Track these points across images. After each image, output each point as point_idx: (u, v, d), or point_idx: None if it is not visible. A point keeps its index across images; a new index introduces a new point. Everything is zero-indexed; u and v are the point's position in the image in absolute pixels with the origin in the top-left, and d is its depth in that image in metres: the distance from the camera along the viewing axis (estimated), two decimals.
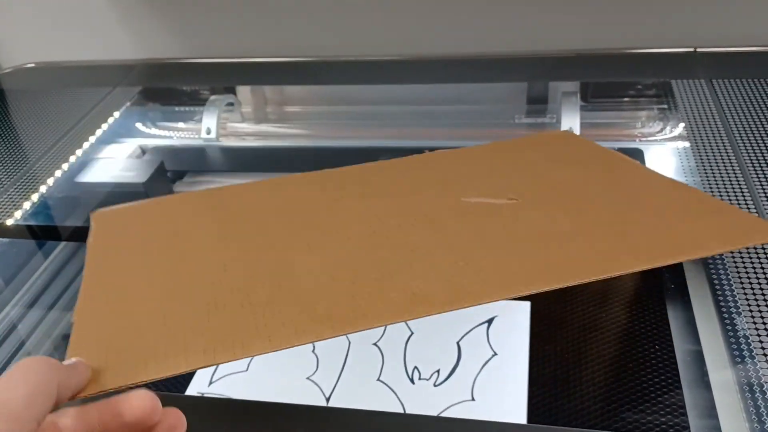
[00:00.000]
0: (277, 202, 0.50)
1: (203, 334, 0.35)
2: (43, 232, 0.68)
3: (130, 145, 0.80)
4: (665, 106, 0.73)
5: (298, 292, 0.38)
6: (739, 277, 0.51)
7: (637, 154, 0.67)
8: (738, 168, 0.60)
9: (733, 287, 0.52)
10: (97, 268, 0.44)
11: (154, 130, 0.85)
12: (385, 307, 0.36)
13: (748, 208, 0.56)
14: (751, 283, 0.50)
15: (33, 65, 1.00)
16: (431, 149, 0.75)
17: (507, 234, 0.43)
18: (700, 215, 0.44)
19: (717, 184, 0.58)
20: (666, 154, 0.67)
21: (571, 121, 0.69)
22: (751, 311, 0.49)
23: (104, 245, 0.47)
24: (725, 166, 0.60)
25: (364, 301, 0.37)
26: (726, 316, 0.53)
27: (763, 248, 0.51)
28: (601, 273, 0.38)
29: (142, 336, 0.36)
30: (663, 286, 0.64)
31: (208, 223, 0.48)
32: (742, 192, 0.57)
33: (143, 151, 0.81)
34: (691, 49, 0.79)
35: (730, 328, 0.54)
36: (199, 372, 0.59)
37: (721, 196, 0.57)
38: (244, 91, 0.91)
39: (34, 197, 0.69)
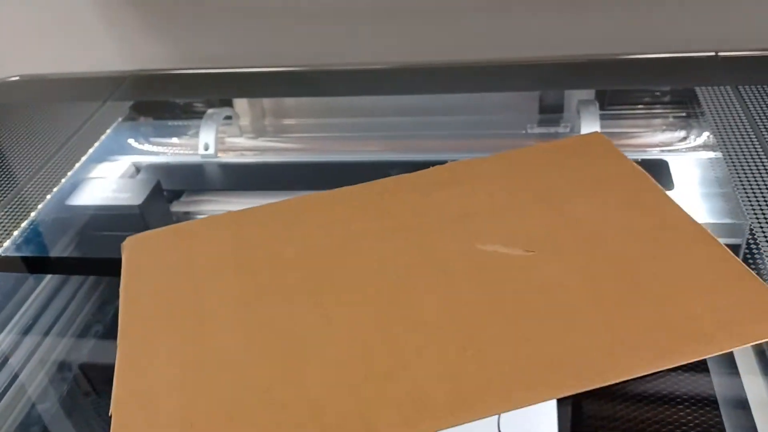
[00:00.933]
0: (296, 239, 0.51)
1: None
2: (32, 263, 0.65)
3: (123, 163, 0.76)
4: (690, 115, 0.70)
5: (310, 389, 0.39)
6: None
7: (662, 166, 0.64)
8: None
9: None
10: (131, 316, 0.46)
11: (147, 146, 0.81)
12: (392, 418, 0.36)
13: None
14: None
15: (17, 78, 0.96)
16: (440, 162, 0.72)
17: (519, 306, 0.42)
18: (728, 294, 0.41)
19: (753, 194, 0.56)
20: (693, 164, 0.64)
21: (591, 131, 0.66)
22: None
23: (135, 280, 0.50)
24: (760, 175, 0.57)
25: (371, 411, 0.37)
26: None
27: None
28: (614, 377, 0.37)
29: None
30: None
31: (230, 272, 0.49)
32: None
33: (137, 169, 0.76)
34: (713, 53, 0.76)
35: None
36: None
37: (758, 206, 0.54)
38: (241, 104, 0.87)
39: (23, 224, 0.65)
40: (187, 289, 0.47)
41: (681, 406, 0.52)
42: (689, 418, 0.51)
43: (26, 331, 0.65)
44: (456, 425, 0.36)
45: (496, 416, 0.53)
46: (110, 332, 0.64)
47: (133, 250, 0.53)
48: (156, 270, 0.50)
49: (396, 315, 0.43)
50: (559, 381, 0.37)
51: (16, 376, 0.62)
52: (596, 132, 0.61)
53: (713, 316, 0.39)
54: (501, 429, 0.52)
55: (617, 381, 0.36)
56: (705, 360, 0.55)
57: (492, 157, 0.57)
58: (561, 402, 0.52)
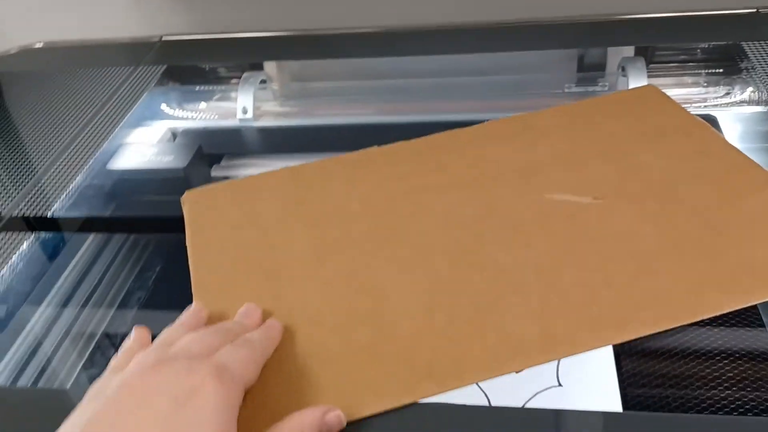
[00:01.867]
0: (358, 194, 0.50)
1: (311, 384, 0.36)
2: (75, 225, 0.64)
3: (159, 128, 0.76)
4: (736, 70, 0.70)
5: (398, 338, 0.38)
6: None
7: (711, 121, 0.64)
8: None
9: None
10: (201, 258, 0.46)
11: (181, 112, 0.80)
12: (484, 357, 0.37)
13: None
14: None
15: (41, 45, 0.94)
16: (474, 123, 0.71)
17: (596, 253, 0.42)
18: None
19: None
20: (742, 119, 0.64)
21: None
22: None
23: (201, 235, 0.49)
24: None
25: (462, 350, 0.37)
26: None
27: None
28: (690, 317, 0.37)
29: None
30: None
31: (298, 228, 0.48)
32: None
33: (173, 134, 0.76)
34: (754, 10, 0.75)
35: None
36: None
37: None
38: (271, 67, 0.86)
39: (69, 187, 0.65)
40: (257, 243, 0.47)
41: (740, 361, 0.52)
42: (748, 372, 0.51)
43: (72, 292, 0.65)
44: (547, 361, 0.37)
45: (555, 366, 0.54)
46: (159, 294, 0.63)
47: (194, 204, 0.52)
48: (221, 224, 0.49)
49: (472, 264, 0.42)
50: (651, 319, 0.37)
51: (63, 338, 0.62)
52: (650, 85, 0.61)
53: None
54: (560, 380, 0.53)
55: (709, 316, 0.37)
56: (760, 314, 0.55)
57: (546, 111, 0.57)
58: (620, 357, 0.52)
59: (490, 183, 0.49)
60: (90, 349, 0.63)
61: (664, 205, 0.45)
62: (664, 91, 0.68)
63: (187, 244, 0.48)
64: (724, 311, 0.38)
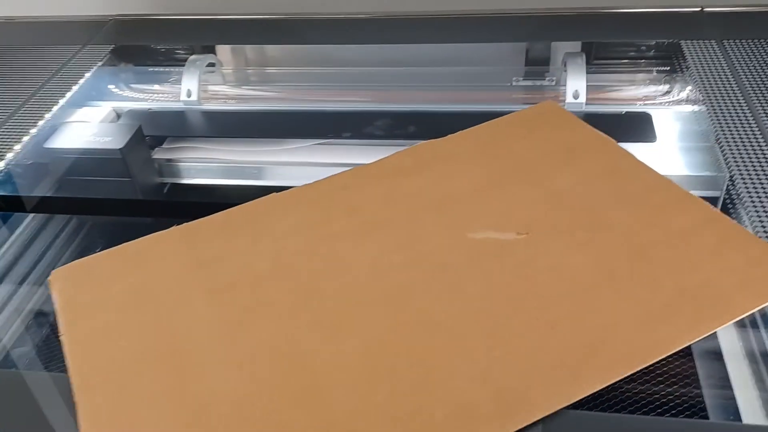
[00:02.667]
0: (265, 250, 0.44)
1: None
2: (10, 203, 0.64)
3: (104, 108, 0.75)
4: (674, 68, 0.70)
5: (337, 421, 0.33)
6: None
7: (645, 119, 0.64)
8: (758, 131, 0.58)
9: None
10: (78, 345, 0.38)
11: (128, 93, 0.79)
12: None
13: (765, 165, 0.54)
14: None
15: None
16: (425, 114, 0.71)
17: (532, 292, 0.39)
18: (726, 253, 0.41)
19: (735, 148, 0.56)
20: (676, 118, 0.65)
21: (576, 84, 0.66)
22: None
23: (79, 321, 0.40)
24: (744, 130, 0.58)
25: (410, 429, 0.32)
26: None
27: None
28: (658, 354, 0.35)
29: None
30: None
31: (199, 299, 0.40)
32: (762, 151, 0.55)
33: (118, 114, 0.75)
34: (698, 9, 0.76)
35: None
36: None
37: (741, 160, 0.55)
38: (223, 51, 0.85)
39: (0, 164, 0.64)
40: (150, 326, 0.39)
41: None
42: (677, 370, 0.52)
43: (2, 276, 0.64)
44: None
45: None
46: None
47: (66, 284, 0.42)
48: (102, 308, 0.40)
49: (405, 321, 0.38)
50: (605, 364, 0.34)
51: None
52: (549, 101, 0.60)
53: (729, 279, 0.39)
54: None
55: (662, 357, 0.35)
56: None
57: (453, 136, 0.55)
58: None
59: (406, 223, 0.45)
60: (23, 327, 0.63)
61: (591, 234, 0.43)
62: (604, 85, 0.69)
63: (62, 339, 0.39)
64: (676, 349, 0.36)
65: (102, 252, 0.45)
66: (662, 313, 0.37)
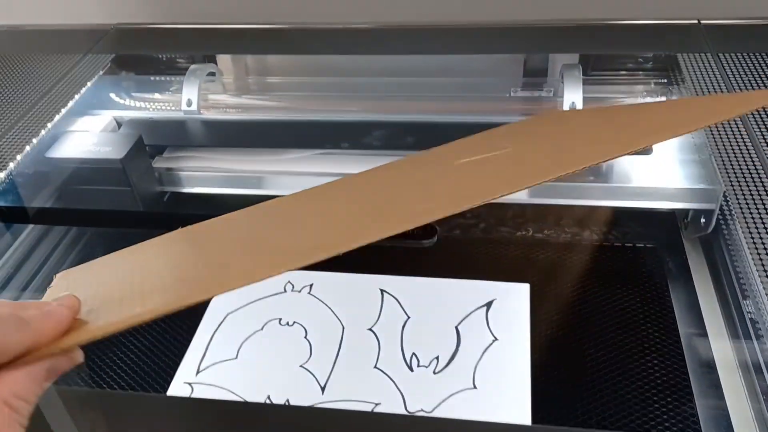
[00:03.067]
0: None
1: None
2: (11, 213, 0.64)
3: (104, 117, 0.76)
4: (671, 81, 0.71)
5: (272, 240, 0.38)
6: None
7: None
8: (750, 143, 0.58)
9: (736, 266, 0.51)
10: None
11: (129, 101, 0.80)
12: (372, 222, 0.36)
13: (761, 179, 0.55)
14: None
15: None
16: (422, 125, 0.72)
17: (493, 164, 0.42)
18: (690, 103, 0.44)
19: (729, 159, 0.57)
20: None
21: (573, 96, 0.66)
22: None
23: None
24: (737, 142, 0.59)
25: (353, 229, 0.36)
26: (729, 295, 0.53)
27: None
28: (593, 159, 0.37)
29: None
30: (664, 266, 0.63)
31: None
32: (755, 165, 0.56)
33: (118, 123, 0.76)
34: (695, 21, 0.76)
35: (735, 308, 0.53)
36: (186, 359, 0.57)
37: (733, 172, 0.56)
38: (224, 60, 0.86)
39: (1, 175, 0.65)
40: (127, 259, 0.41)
41: (651, 371, 0.53)
42: (659, 381, 0.53)
43: (4, 285, 0.65)
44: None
45: (472, 370, 0.55)
46: None
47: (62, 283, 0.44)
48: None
49: (365, 200, 0.43)
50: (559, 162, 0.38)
51: None
52: (552, 109, 0.62)
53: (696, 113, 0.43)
54: (476, 383, 0.54)
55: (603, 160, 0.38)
56: (675, 323, 0.57)
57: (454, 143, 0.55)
58: (536, 368, 0.53)
59: (406, 168, 0.48)
60: None
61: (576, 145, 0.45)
62: (601, 97, 0.69)
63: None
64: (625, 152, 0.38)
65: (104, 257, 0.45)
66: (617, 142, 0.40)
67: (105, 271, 0.41)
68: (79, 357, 0.31)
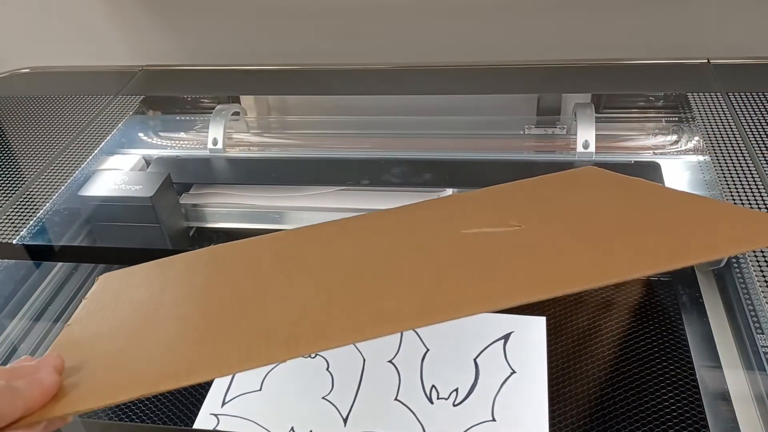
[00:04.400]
0: (269, 248, 0.49)
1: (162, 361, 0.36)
2: (45, 252, 0.67)
3: (134, 156, 0.79)
4: (682, 119, 0.73)
5: (264, 321, 0.37)
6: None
7: (654, 168, 0.67)
8: (760, 182, 0.60)
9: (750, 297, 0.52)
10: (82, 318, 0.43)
11: (157, 140, 0.83)
12: (352, 327, 0.34)
13: None
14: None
15: (28, 70, 0.98)
16: (440, 162, 0.74)
17: (498, 255, 0.40)
18: (711, 219, 0.41)
19: (739, 198, 0.58)
20: (684, 167, 0.67)
21: (586, 134, 0.68)
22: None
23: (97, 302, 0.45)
24: (747, 180, 0.60)
25: (330, 325, 0.35)
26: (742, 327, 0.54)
27: None
28: (599, 280, 0.34)
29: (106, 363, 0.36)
30: (678, 299, 0.64)
31: (197, 275, 0.46)
32: (764, 201, 0.57)
33: (147, 162, 0.79)
34: (705, 60, 0.78)
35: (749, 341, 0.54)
36: (212, 390, 0.58)
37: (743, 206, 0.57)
38: (248, 99, 0.89)
39: (38, 213, 0.68)
40: (147, 288, 0.44)
41: (667, 404, 0.54)
42: (674, 414, 0.53)
43: (38, 317, 0.67)
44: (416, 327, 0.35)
45: (491, 402, 0.56)
46: None
47: (101, 286, 0.48)
48: (118, 288, 0.46)
49: (365, 272, 0.41)
50: (556, 280, 0.35)
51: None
52: (591, 166, 0.60)
53: (714, 236, 0.38)
54: (495, 415, 0.55)
55: (620, 279, 0.34)
56: (690, 356, 0.57)
57: (477, 191, 0.53)
58: (553, 400, 0.54)
59: (409, 229, 0.48)
60: None
61: (580, 225, 0.43)
62: (613, 135, 0.70)
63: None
64: (636, 275, 0.35)
65: (143, 264, 0.49)
66: (635, 246, 0.37)
67: (119, 319, 0.43)
68: (70, 417, 0.34)
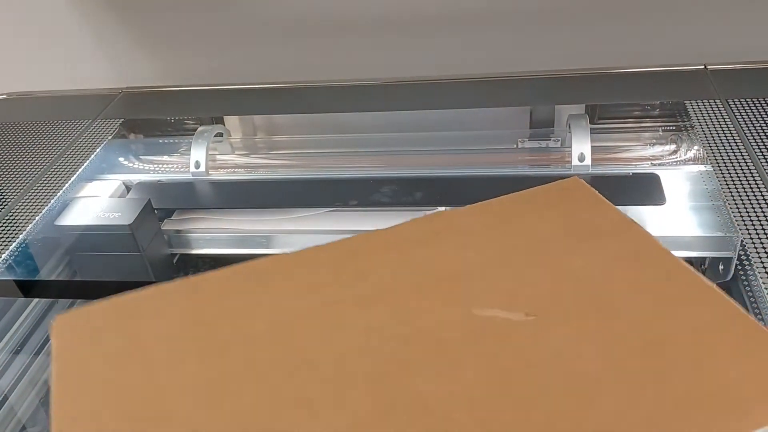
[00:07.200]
0: (264, 311, 0.44)
1: None
2: (20, 287, 0.64)
3: (113, 182, 0.76)
4: (680, 128, 0.71)
5: None
6: None
7: (653, 179, 0.64)
8: (766, 191, 0.57)
9: None
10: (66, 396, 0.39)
11: (138, 164, 0.80)
12: None
13: None
14: None
15: (5, 96, 0.95)
16: (431, 179, 0.71)
17: (531, 382, 0.37)
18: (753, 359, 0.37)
19: (743, 207, 0.56)
20: (684, 178, 0.65)
21: (581, 147, 0.66)
22: None
23: (70, 370, 0.41)
24: (751, 189, 0.58)
25: None
26: None
27: None
28: None
29: None
30: None
31: (190, 357, 0.41)
32: None
33: (127, 187, 0.76)
34: (701, 66, 0.76)
35: None
36: None
37: (749, 219, 0.55)
38: (231, 120, 0.87)
39: (12, 245, 0.65)
40: (137, 381, 0.40)
41: None
42: None
43: (16, 351, 0.64)
44: None
45: None
46: None
47: (64, 331, 0.44)
48: (95, 360, 0.42)
49: (395, 401, 0.37)
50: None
51: (5, 399, 0.61)
52: (575, 177, 0.59)
53: (749, 386, 0.36)
54: None
55: None
56: None
57: (472, 208, 0.54)
58: None
59: (414, 294, 0.44)
60: (38, 400, 0.63)
61: (602, 321, 0.40)
62: (610, 146, 0.68)
63: (51, 386, 0.39)
64: None
65: (107, 300, 0.45)
66: (668, 419, 0.34)
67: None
68: None
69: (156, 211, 0.69)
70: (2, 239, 0.65)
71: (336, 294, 0.45)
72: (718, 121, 0.67)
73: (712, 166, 0.61)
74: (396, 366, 0.39)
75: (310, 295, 0.45)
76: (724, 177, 0.59)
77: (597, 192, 0.52)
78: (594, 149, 0.67)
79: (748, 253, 0.53)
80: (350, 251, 0.49)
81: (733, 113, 0.68)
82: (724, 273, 0.57)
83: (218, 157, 0.80)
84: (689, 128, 0.68)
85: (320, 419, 0.36)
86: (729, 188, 0.58)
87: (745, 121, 0.66)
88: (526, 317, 0.41)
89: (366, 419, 0.36)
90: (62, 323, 0.44)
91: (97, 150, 0.78)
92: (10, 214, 0.69)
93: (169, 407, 0.37)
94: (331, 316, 0.43)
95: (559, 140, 0.74)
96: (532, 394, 0.36)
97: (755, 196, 0.57)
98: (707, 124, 0.67)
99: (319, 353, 0.40)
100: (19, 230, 0.66)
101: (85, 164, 0.76)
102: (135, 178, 0.77)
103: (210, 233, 0.71)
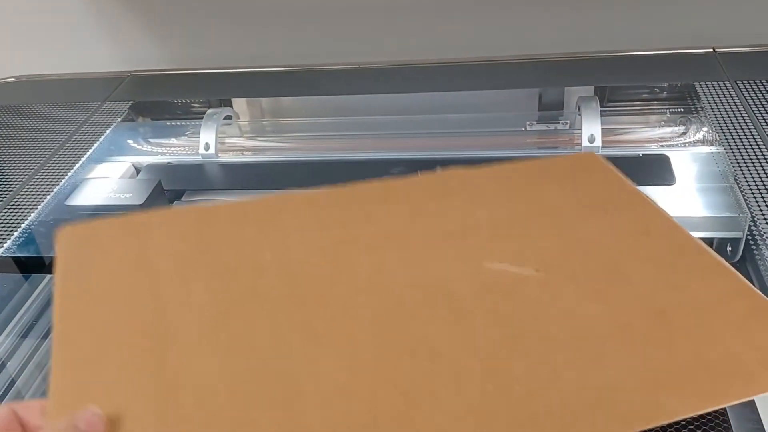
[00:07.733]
0: (272, 242, 0.43)
1: None
2: (32, 264, 0.64)
3: (123, 163, 0.76)
4: (690, 110, 0.71)
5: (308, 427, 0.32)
6: None
7: (663, 161, 0.64)
8: None
9: None
10: (69, 312, 0.38)
11: (147, 147, 0.81)
12: None
13: None
14: None
15: (13, 79, 0.95)
16: (441, 161, 0.71)
17: (540, 336, 0.37)
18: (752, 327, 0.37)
19: (754, 189, 0.56)
20: (694, 159, 0.65)
21: (591, 128, 0.66)
22: None
23: (74, 279, 0.40)
24: (761, 169, 0.58)
25: None
26: None
27: None
28: (657, 419, 0.32)
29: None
30: None
31: (196, 279, 0.40)
32: None
33: (137, 169, 0.76)
34: (710, 50, 0.76)
35: None
36: None
37: (760, 199, 0.55)
38: (240, 103, 0.87)
39: (24, 224, 0.65)
40: (144, 296, 0.39)
41: None
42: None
43: (26, 332, 0.64)
44: None
45: None
46: None
47: (69, 243, 0.42)
48: (101, 271, 0.40)
49: (401, 344, 0.37)
50: (600, 422, 0.33)
51: (14, 380, 0.61)
52: (592, 152, 0.59)
53: (754, 354, 0.36)
54: None
55: (661, 423, 0.33)
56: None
57: (485, 169, 0.54)
58: None
59: (422, 243, 0.44)
60: (45, 384, 0.63)
61: (609, 285, 0.40)
62: (620, 128, 0.68)
63: (54, 293, 0.38)
64: (680, 417, 0.33)
65: (117, 217, 0.44)
66: (673, 379, 0.35)
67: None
68: None
69: (166, 193, 0.70)
70: (14, 218, 0.66)
71: (343, 234, 0.44)
72: (728, 102, 0.67)
73: (722, 148, 0.61)
74: (403, 309, 0.38)
75: (319, 233, 0.44)
76: (734, 157, 0.60)
77: (614, 167, 0.52)
78: (603, 131, 0.67)
79: (756, 233, 0.53)
80: (362, 196, 0.49)
81: (743, 94, 0.68)
82: (733, 253, 0.57)
83: (227, 139, 0.80)
84: (699, 110, 0.68)
85: (324, 349, 0.36)
86: (740, 168, 0.58)
87: (754, 102, 0.66)
88: (536, 272, 0.41)
89: (371, 355, 0.36)
90: (68, 234, 0.43)
91: (107, 132, 0.78)
92: (21, 194, 0.69)
93: (174, 325, 0.37)
94: (339, 254, 0.42)
95: (567, 123, 0.74)
96: (540, 346, 0.36)
97: (764, 176, 0.57)
98: (717, 106, 0.67)
99: (325, 288, 0.39)
100: (30, 210, 0.66)
101: (95, 146, 0.76)
102: (144, 160, 0.78)
103: None
